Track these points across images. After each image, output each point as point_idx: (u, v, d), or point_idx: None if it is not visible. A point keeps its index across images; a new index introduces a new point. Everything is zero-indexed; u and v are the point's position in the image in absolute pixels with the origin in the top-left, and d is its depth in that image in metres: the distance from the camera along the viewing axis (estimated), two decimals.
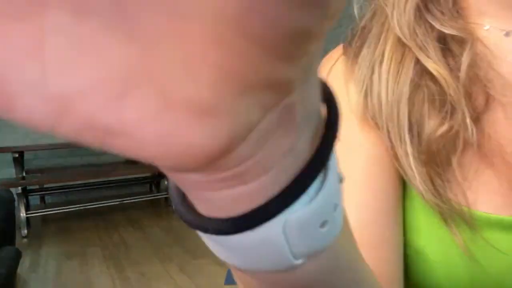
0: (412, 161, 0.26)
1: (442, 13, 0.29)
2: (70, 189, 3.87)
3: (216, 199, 0.11)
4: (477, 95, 0.28)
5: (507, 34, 0.28)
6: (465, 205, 0.26)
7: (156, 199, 3.90)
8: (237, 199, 0.11)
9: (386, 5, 0.30)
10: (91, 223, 3.19)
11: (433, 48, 0.28)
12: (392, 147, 0.28)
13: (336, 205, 0.13)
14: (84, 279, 2.01)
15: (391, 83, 0.28)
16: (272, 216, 0.11)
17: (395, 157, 0.28)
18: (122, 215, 3.41)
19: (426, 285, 0.30)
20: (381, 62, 0.29)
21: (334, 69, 0.32)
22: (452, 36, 0.28)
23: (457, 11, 0.29)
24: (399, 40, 0.29)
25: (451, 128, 0.26)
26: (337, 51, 0.33)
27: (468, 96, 0.27)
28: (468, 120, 0.26)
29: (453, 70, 0.27)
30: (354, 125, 0.30)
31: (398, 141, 0.27)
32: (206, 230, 0.12)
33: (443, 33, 0.28)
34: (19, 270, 2.00)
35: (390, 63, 0.29)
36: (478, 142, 0.27)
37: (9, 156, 3.72)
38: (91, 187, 3.90)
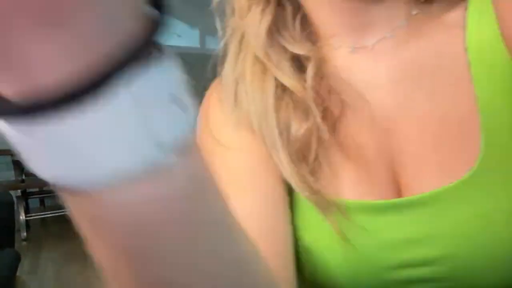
0: (286, 163, 0.30)
1: (292, 36, 0.33)
2: None
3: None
4: (335, 103, 0.32)
5: (352, 51, 0.33)
6: (335, 195, 0.31)
7: None
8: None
9: (240, 27, 0.34)
10: None
11: (286, 66, 0.32)
12: (270, 153, 0.31)
13: (175, 97, 0.12)
14: (84, 282, 2.01)
15: (257, 97, 0.32)
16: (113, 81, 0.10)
17: (274, 161, 0.31)
18: None
19: (318, 279, 0.32)
20: (244, 78, 0.33)
21: (210, 98, 0.37)
22: (302, 56, 0.33)
23: (307, 35, 0.34)
24: (257, 58, 0.33)
25: (308, 129, 0.31)
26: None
27: (326, 104, 0.32)
28: (318, 120, 0.30)
29: (303, 81, 0.32)
30: (233, 133, 0.33)
31: (272, 148, 0.31)
32: (29, 111, 0.10)
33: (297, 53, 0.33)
34: (18, 273, 1.99)
35: (253, 79, 0.33)
36: (339, 141, 0.32)
37: (8, 159, 3.71)
38: None
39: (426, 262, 0.29)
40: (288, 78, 0.32)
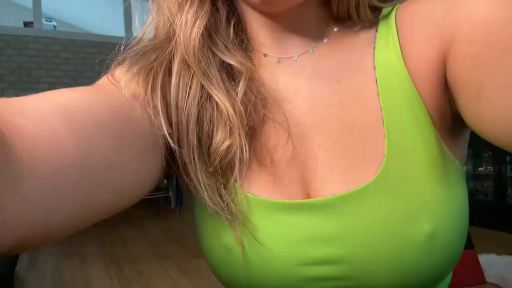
0: (201, 176, 0.31)
1: (225, 44, 0.33)
2: None
3: None
4: (255, 112, 0.33)
5: (278, 61, 0.35)
6: (244, 191, 0.32)
7: (155, 198, 3.90)
8: None
9: (173, 22, 0.32)
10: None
11: (215, 75, 0.32)
12: (182, 162, 0.31)
13: None
14: (83, 278, 2.01)
15: (180, 102, 0.31)
16: None
17: (185, 170, 0.31)
18: (121, 214, 3.38)
19: (226, 276, 0.34)
20: (169, 75, 0.32)
21: (120, 73, 0.34)
22: (234, 66, 0.33)
23: (240, 42, 0.34)
24: (185, 61, 0.31)
25: (231, 144, 0.31)
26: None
27: (246, 115, 0.32)
28: (243, 141, 0.31)
29: (232, 95, 0.32)
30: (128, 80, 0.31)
31: (189, 159, 0.31)
32: None
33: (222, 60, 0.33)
34: (17, 269, 2.00)
35: (179, 82, 0.31)
36: (254, 149, 0.33)
37: None
38: None
39: (329, 261, 0.31)
40: (217, 91, 0.31)
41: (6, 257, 1.43)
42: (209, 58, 0.32)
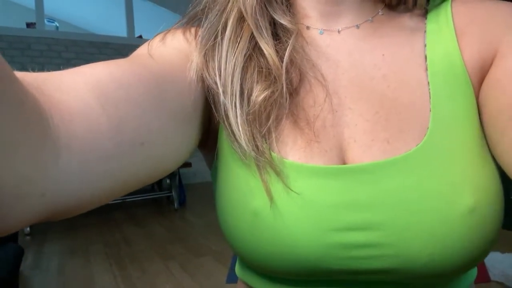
0: (240, 121, 0.31)
1: (280, 7, 0.36)
2: None
3: None
4: (294, 73, 0.35)
5: (321, 32, 0.37)
6: (278, 155, 0.32)
7: (159, 197, 3.91)
8: None
9: None
10: (94, 220, 3.20)
11: (266, 30, 0.34)
12: (225, 109, 0.32)
13: None
14: (86, 276, 2.02)
15: (230, 52, 0.33)
16: None
17: (226, 117, 0.32)
18: (124, 213, 3.42)
19: (261, 242, 0.32)
20: (224, 30, 0.34)
21: (171, 31, 0.37)
22: (281, 25, 0.35)
23: (289, 11, 0.37)
24: (241, 15, 0.34)
25: (272, 94, 0.32)
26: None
27: (287, 73, 0.33)
28: (285, 90, 0.32)
29: (278, 51, 0.34)
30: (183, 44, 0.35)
31: (231, 104, 0.32)
32: None
33: (273, 19, 0.35)
34: (21, 268, 2.01)
35: (231, 34, 0.34)
36: (291, 109, 0.34)
37: None
38: None
39: (364, 227, 0.30)
40: (266, 44, 0.33)
41: (11, 255, 1.44)
42: (262, 14, 0.34)
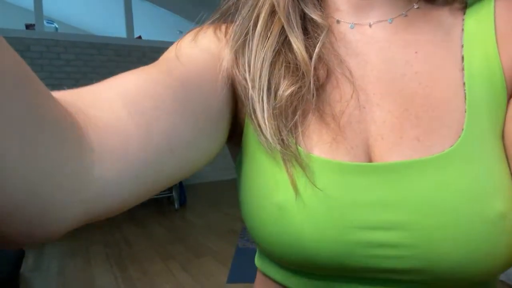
0: (266, 115, 0.32)
1: (312, 2, 0.36)
2: None
3: None
4: (322, 69, 0.35)
5: (351, 26, 0.36)
6: (304, 149, 0.32)
7: (159, 198, 3.91)
8: None
9: None
10: (94, 221, 3.20)
11: (296, 24, 0.34)
12: (253, 103, 0.33)
13: None
14: (87, 278, 2.02)
15: (259, 48, 0.33)
16: None
17: (254, 112, 0.33)
18: (124, 214, 3.42)
19: (283, 239, 0.32)
20: (255, 25, 0.34)
21: (203, 29, 0.37)
22: (312, 20, 0.35)
23: (320, 5, 0.37)
24: (273, 8, 0.34)
25: (299, 89, 0.32)
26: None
27: (315, 69, 0.33)
28: (312, 86, 0.32)
29: (307, 46, 0.34)
30: (213, 41, 0.35)
31: (258, 98, 0.32)
32: None
33: (304, 14, 0.35)
34: (22, 269, 2.01)
35: (262, 29, 0.34)
36: (317, 104, 0.33)
37: None
38: None
39: (390, 226, 0.30)
40: (296, 39, 0.33)
41: (11, 257, 1.44)
42: (294, 8, 0.35)
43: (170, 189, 3.63)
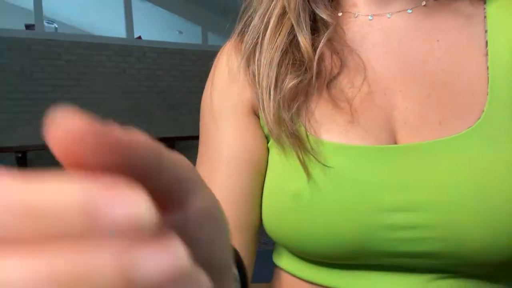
0: (272, 108, 0.33)
1: (321, 1, 0.37)
2: None
3: None
4: (334, 61, 0.36)
5: (370, 18, 0.37)
6: (314, 136, 0.33)
7: None
8: None
9: None
10: None
11: (305, 24, 0.35)
12: (262, 102, 0.35)
13: None
14: None
15: (269, 49, 0.35)
16: None
17: (263, 109, 0.34)
18: None
19: (303, 228, 0.33)
20: (266, 29, 0.36)
21: (223, 50, 0.41)
22: (321, 18, 0.36)
23: (332, 3, 0.38)
24: (283, 10, 0.36)
25: (300, 82, 0.34)
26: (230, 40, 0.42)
27: (322, 62, 0.35)
28: (314, 79, 0.34)
29: (314, 44, 0.35)
30: (228, 90, 0.38)
31: (266, 95, 0.34)
32: None
33: (313, 12, 0.37)
34: None
35: (272, 31, 0.36)
36: (329, 92, 0.35)
37: (12, 156, 3.73)
38: None
39: (412, 207, 0.29)
40: (303, 38, 0.35)
41: None
42: (304, 8, 0.36)
43: None
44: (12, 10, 5.43)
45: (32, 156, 3.81)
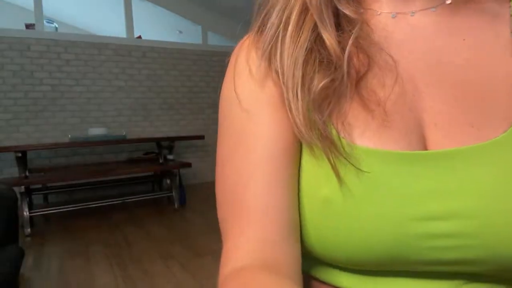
0: (301, 110, 0.32)
1: None
2: (73, 188, 3.88)
3: None
4: (362, 60, 0.34)
5: (393, 16, 0.36)
6: (347, 140, 0.31)
7: (159, 197, 3.91)
8: None
9: None
10: (94, 221, 3.20)
11: (329, 20, 0.34)
12: (289, 102, 0.33)
13: None
14: (87, 277, 2.02)
15: (292, 47, 0.34)
16: None
17: (290, 110, 0.33)
18: (124, 214, 3.42)
19: (338, 236, 0.31)
20: (286, 26, 0.34)
21: (242, 46, 0.39)
22: (345, 15, 0.35)
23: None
24: (304, 7, 0.34)
25: (332, 82, 0.32)
26: (247, 36, 0.40)
27: (351, 61, 0.34)
28: (345, 78, 0.32)
29: (340, 41, 0.33)
30: (255, 89, 0.36)
31: (293, 96, 0.32)
32: None
33: (337, 10, 0.35)
34: (22, 269, 2.01)
35: (293, 29, 0.34)
36: (359, 93, 0.33)
37: (12, 156, 3.73)
38: (94, 186, 3.91)
39: (450, 215, 0.29)
40: (328, 35, 0.33)
41: (12, 257, 1.44)
42: (327, 4, 0.34)
43: (170, 189, 3.63)
44: (12, 10, 5.43)
45: (32, 156, 3.81)
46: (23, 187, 2.91)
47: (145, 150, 4.42)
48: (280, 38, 0.34)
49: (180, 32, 5.45)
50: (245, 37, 0.40)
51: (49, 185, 3.76)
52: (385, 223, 0.29)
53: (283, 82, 0.33)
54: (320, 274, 0.36)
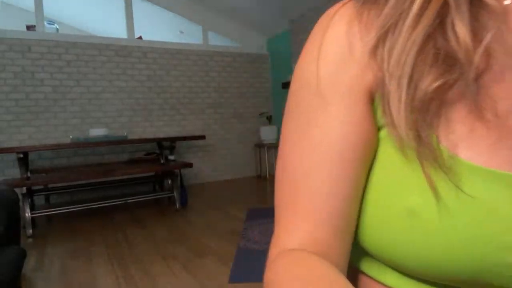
0: (404, 106, 0.28)
1: None
2: (75, 189, 3.89)
3: None
4: (490, 60, 0.28)
5: None
6: (449, 150, 0.27)
7: (160, 198, 3.92)
8: None
9: None
10: (95, 222, 3.20)
11: (466, 5, 0.28)
12: (388, 92, 0.29)
13: None
14: (89, 278, 2.02)
15: (409, 30, 0.29)
16: None
17: (388, 102, 0.29)
18: (126, 214, 3.42)
19: (418, 248, 0.28)
20: (411, 5, 0.29)
21: (340, 12, 0.33)
22: (484, 3, 0.29)
23: None
24: None
25: (447, 82, 0.27)
26: (342, 3, 0.34)
27: (483, 59, 0.28)
28: (471, 82, 0.27)
29: (475, 35, 0.28)
30: (345, 71, 0.31)
31: (396, 86, 0.28)
32: None
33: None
34: (24, 270, 2.01)
35: (418, 8, 0.28)
36: (474, 97, 0.28)
37: (13, 157, 3.74)
38: (95, 186, 3.92)
39: None
40: (460, 22, 0.27)
41: (14, 258, 1.44)
42: None
43: (171, 189, 3.63)
44: (13, 11, 5.44)
45: (33, 157, 3.82)
46: (24, 188, 2.91)
47: (146, 151, 4.43)
48: (402, 15, 0.29)
49: (181, 32, 5.45)
50: (337, 5, 0.34)
51: (50, 186, 3.77)
52: (480, 248, 0.26)
53: (387, 71, 0.29)
54: (365, 267, 0.35)
